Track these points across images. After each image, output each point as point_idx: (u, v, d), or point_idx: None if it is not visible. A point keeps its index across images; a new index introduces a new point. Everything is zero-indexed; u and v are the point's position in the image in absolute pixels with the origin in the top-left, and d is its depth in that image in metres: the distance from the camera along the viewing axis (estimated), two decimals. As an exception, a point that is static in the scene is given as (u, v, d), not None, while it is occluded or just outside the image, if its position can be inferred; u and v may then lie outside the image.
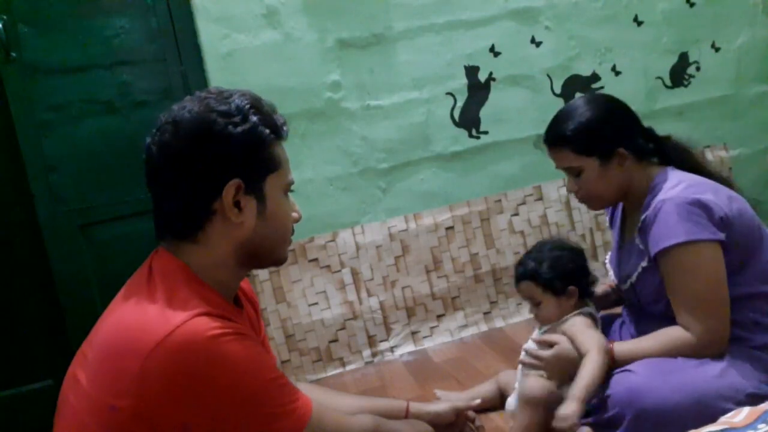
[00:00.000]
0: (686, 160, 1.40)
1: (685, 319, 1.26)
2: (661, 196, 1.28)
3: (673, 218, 1.24)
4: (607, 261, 1.58)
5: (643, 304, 1.41)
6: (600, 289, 1.65)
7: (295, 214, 1.05)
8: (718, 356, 1.26)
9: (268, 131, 0.97)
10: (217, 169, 0.92)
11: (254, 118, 0.95)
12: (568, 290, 1.40)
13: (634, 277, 1.39)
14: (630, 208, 1.45)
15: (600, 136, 1.35)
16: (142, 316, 0.87)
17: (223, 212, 0.93)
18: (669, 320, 1.32)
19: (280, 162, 1.00)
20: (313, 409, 0.94)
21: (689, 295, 1.25)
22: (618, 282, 1.50)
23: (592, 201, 1.42)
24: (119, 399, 0.82)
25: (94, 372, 0.87)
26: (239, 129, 0.93)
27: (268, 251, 1.02)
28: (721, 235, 1.23)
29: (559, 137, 1.37)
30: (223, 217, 0.94)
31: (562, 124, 1.37)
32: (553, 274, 1.40)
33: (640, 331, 1.41)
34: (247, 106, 0.95)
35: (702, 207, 1.23)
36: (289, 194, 1.04)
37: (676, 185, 1.29)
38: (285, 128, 1.00)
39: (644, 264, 1.35)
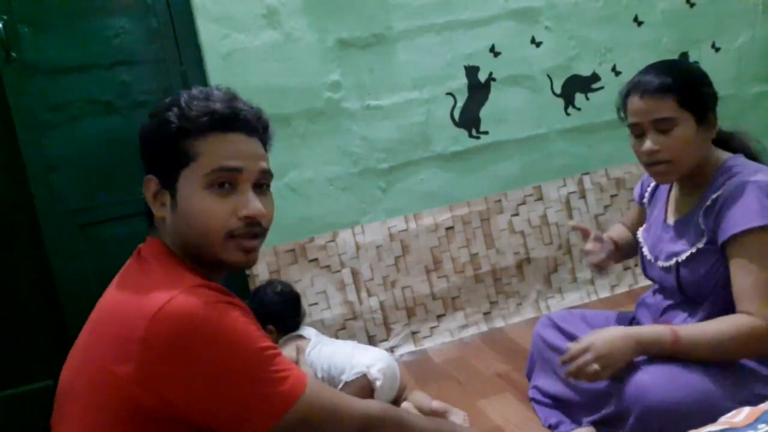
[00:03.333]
0: (745, 153, 1.36)
1: (750, 305, 1.20)
2: (741, 178, 1.24)
3: (758, 201, 1.20)
4: (640, 236, 1.50)
5: (683, 288, 1.35)
6: (615, 231, 1.63)
7: (218, 211, 0.94)
8: None
9: (175, 125, 0.94)
10: (144, 165, 0.99)
11: (168, 114, 0.95)
12: (266, 328, 1.76)
13: (682, 257, 1.32)
14: (687, 185, 1.38)
15: (704, 94, 1.29)
16: (142, 290, 0.89)
17: None
18: (701, 313, 1.29)
19: (195, 155, 0.94)
20: (309, 381, 0.94)
21: (763, 279, 1.20)
22: (653, 260, 1.43)
23: (670, 167, 1.31)
24: (122, 365, 0.83)
25: (94, 349, 0.89)
26: (149, 126, 0.98)
27: (195, 249, 0.95)
28: None
29: (663, 84, 1.27)
30: None
31: (664, 74, 1.28)
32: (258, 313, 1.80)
33: None
34: (171, 101, 0.96)
35: None
36: (250, 191, 0.96)
37: (757, 171, 1.25)
38: (205, 119, 0.94)
39: (700, 245, 1.29)
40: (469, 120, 2.40)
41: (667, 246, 1.39)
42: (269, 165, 1.02)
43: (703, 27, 2.64)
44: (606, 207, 2.54)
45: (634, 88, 1.31)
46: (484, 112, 2.42)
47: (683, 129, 1.27)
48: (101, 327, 0.91)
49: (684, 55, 2.62)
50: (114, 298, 0.94)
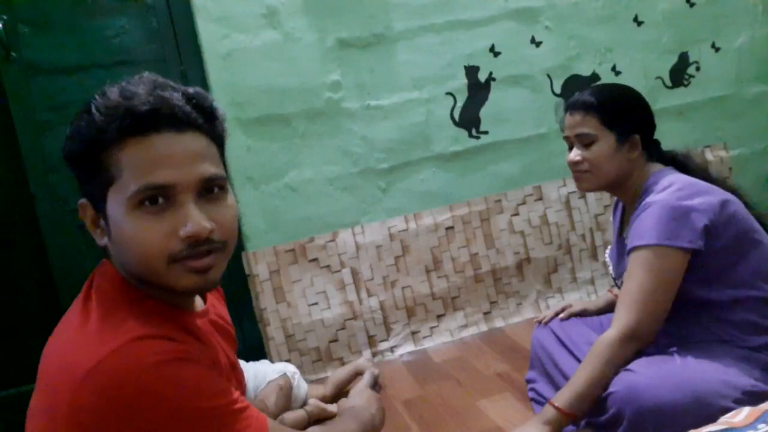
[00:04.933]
0: (686, 167, 1.44)
1: (617, 311, 1.30)
2: (650, 198, 1.32)
3: (652, 220, 1.28)
4: (606, 256, 1.60)
5: None
6: (603, 299, 1.74)
7: (153, 234, 0.78)
8: (636, 353, 1.29)
9: (85, 137, 0.77)
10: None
11: (80, 123, 0.78)
12: None
13: (625, 274, 1.41)
14: (628, 206, 1.49)
15: (626, 115, 1.41)
16: (75, 342, 0.78)
17: None
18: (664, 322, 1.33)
19: (117, 172, 0.77)
20: (269, 429, 0.86)
21: (633, 289, 1.28)
22: (615, 277, 1.53)
23: (589, 176, 1.44)
24: (56, 427, 0.75)
25: (39, 396, 0.82)
26: (65, 139, 0.81)
27: (142, 278, 0.83)
28: (699, 244, 1.25)
29: (588, 103, 1.42)
30: None
31: (593, 94, 1.43)
32: None
33: None
34: (83, 106, 0.78)
35: (684, 214, 1.26)
36: (190, 203, 0.79)
37: (666, 187, 1.32)
38: (117, 123, 0.76)
39: None
40: (469, 120, 2.40)
41: (620, 264, 1.50)
42: (218, 164, 0.83)
43: (703, 27, 2.64)
44: (606, 207, 2.54)
45: (568, 105, 1.47)
46: (484, 112, 2.42)
47: (602, 145, 1.40)
48: (43, 375, 0.82)
49: (684, 55, 2.62)
50: (56, 341, 0.83)
